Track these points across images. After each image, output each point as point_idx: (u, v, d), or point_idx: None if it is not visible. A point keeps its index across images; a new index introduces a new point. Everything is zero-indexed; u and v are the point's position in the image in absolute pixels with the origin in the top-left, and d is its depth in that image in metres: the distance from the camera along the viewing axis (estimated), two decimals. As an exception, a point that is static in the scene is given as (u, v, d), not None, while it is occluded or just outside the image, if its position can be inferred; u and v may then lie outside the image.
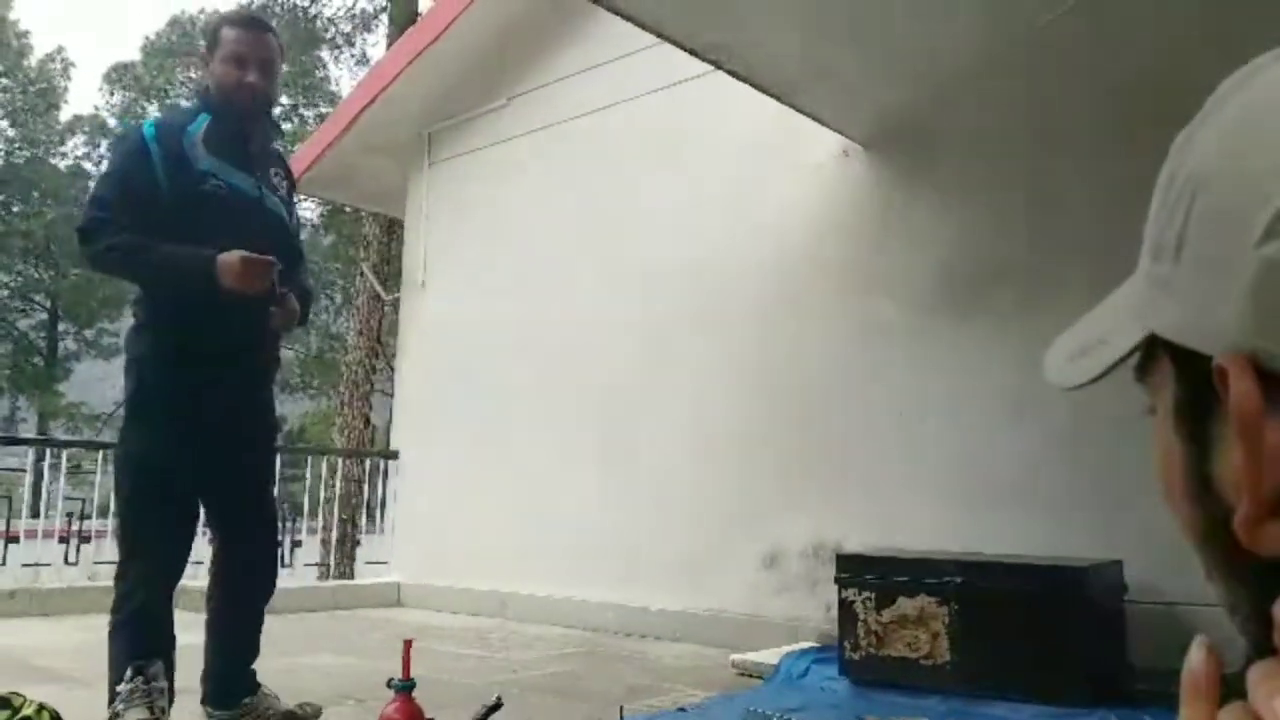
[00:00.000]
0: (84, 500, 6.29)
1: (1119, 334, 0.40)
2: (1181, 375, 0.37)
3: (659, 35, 3.50)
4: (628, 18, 3.34)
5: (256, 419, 2.64)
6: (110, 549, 6.26)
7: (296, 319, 2.55)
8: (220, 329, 2.42)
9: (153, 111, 25.44)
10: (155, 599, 2.44)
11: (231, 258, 2.31)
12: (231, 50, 2.45)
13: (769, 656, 3.71)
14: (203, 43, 2.55)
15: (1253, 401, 0.33)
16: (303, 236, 2.72)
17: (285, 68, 2.67)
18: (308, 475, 6.91)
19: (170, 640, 2.50)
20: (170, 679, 2.44)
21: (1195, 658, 0.34)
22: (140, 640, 2.40)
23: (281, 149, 2.68)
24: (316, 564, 7.26)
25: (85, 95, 45.14)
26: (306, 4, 20.49)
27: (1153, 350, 0.39)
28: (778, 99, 3.98)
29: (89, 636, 4.42)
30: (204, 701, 2.64)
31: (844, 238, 4.46)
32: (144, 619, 2.42)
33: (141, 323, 2.51)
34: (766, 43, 3.58)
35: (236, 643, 2.67)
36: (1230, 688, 0.33)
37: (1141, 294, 0.40)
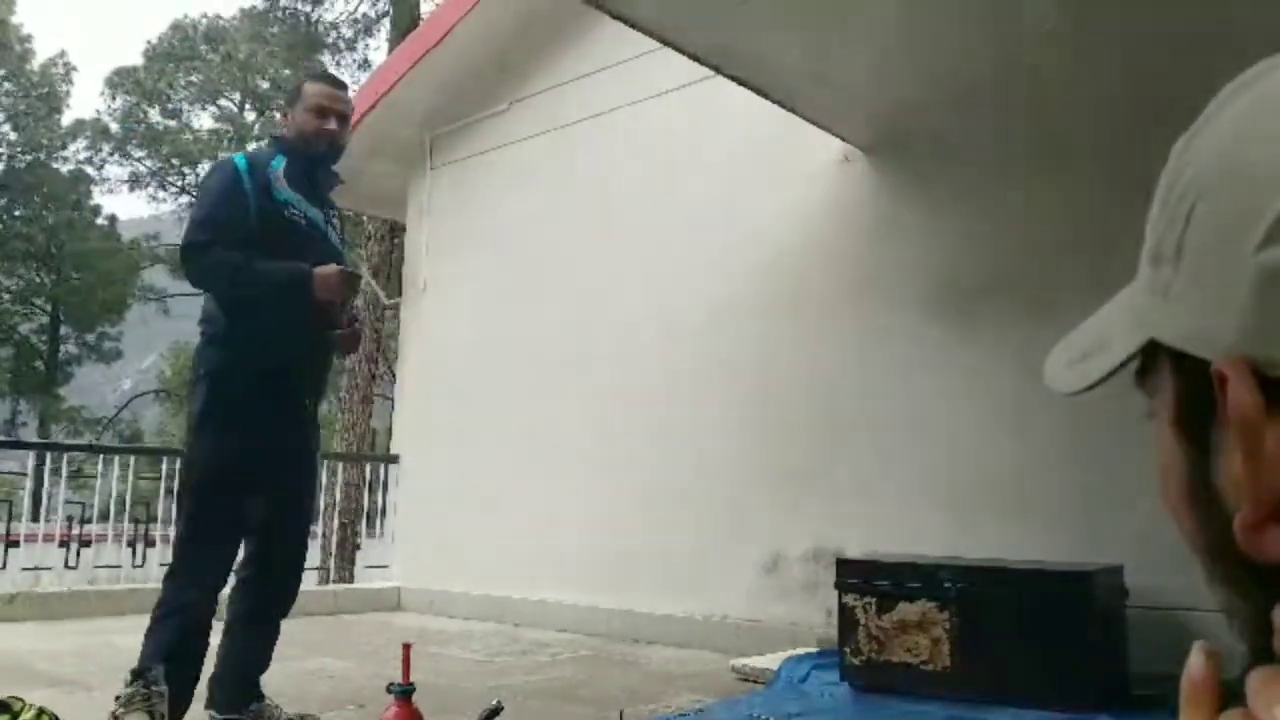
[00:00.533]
0: (84, 504, 6.31)
1: (1119, 339, 0.40)
2: (1181, 380, 0.37)
3: (661, 40, 3.51)
4: (630, 23, 3.35)
5: (307, 437, 2.78)
6: (110, 553, 6.28)
7: (357, 344, 2.78)
8: (286, 349, 2.61)
9: (154, 114, 25.51)
10: (203, 600, 2.55)
11: (328, 270, 2.59)
12: (315, 102, 2.74)
13: (769, 661, 3.71)
14: (286, 102, 2.88)
15: (1252, 407, 0.33)
16: None
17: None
18: (308, 479, 6.90)
19: (205, 642, 2.58)
20: (196, 679, 2.52)
21: (1195, 663, 0.34)
22: (180, 636, 2.51)
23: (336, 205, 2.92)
24: (317, 568, 7.25)
25: (87, 99, 45.19)
26: (308, 8, 20.53)
27: (1153, 356, 0.39)
28: (779, 104, 3.98)
29: (89, 640, 4.42)
30: (208, 706, 2.67)
31: (844, 243, 4.46)
32: (189, 617, 2.53)
33: (211, 338, 2.68)
34: (768, 48, 3.58)
35: (250, 652, 2.73)
36: (1230, 693, 0.33)
37: (1141, 299, 0.40)
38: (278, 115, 2.91)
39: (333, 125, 2.74)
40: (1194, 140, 0.38)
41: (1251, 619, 0.35)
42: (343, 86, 2.88)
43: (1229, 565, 0.36)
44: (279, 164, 2.69)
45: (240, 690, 2.69)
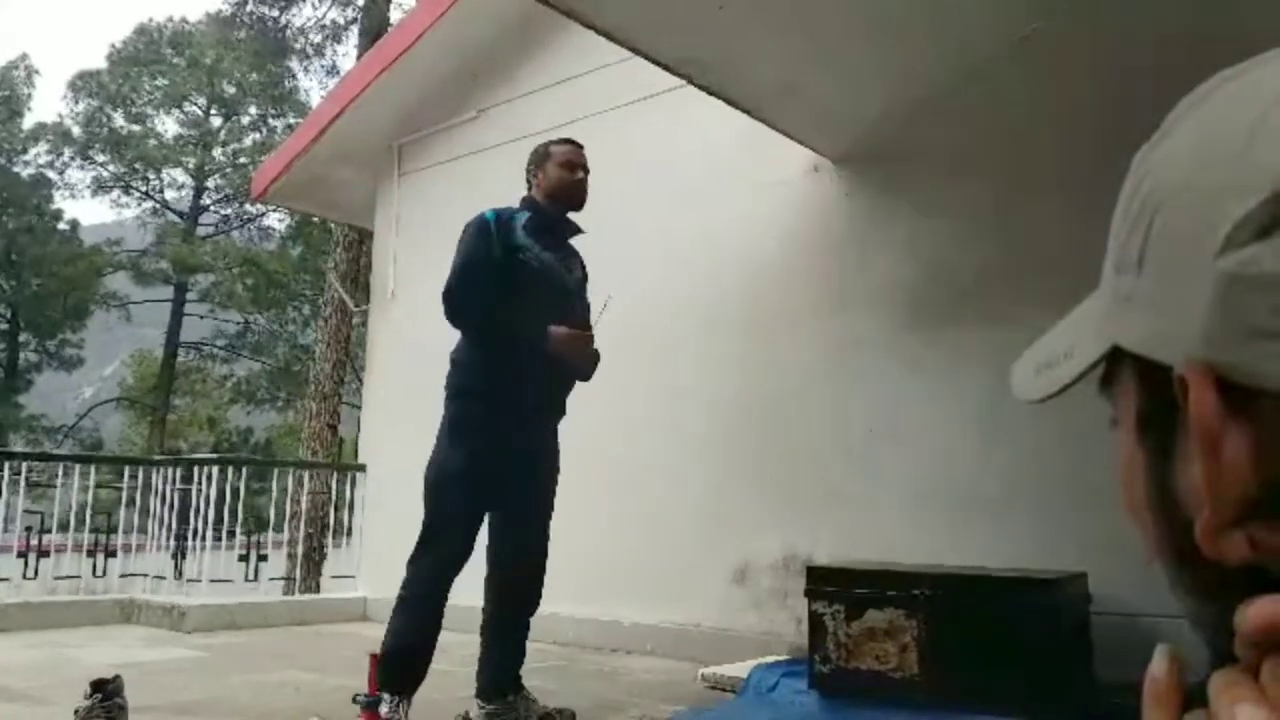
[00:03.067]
0: (43, 514, 6.18)
1: (1084, 347, 0.41)
2: (1144, 387, 0.38)
3: (632, 50, 3.52)
4: (601, 32, 3.35)
5: (548, 460, 3.17)
6: (69, 563, 6.16)
7: (593, 367, 3.12)
8: (533, 385, 3.00)
9: (118, 118, 25.17)
10: (437, 589, 2.89)
11: (561, 330, 2.96)
12: (565, 159, 3.18)
13: (739, 670, 3.71)
14: (532, 165, 3.25)
15: (1213, 412, 0.33)
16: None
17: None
18: (274, 488, 6.83)
19: (437, 624, 2.90)
20: (429, 657, 2.88)
21: (1158, 666, 0.34)
22: (420, 616, 2.88)
23: (576, 250, 3.31)
24: (282, 578, 7.18)
25: (49, 103, 44.57)
26: (276, 14, 20.37)
27: (1117, 363, 0.40)
28: (749, 114, 4.01)
29: (48, 653, 4.34)
30: (476, 695, 3.04)
31: (814, 253, 4.49)
32: (425, 602, 2.89)
33: (462, 358, 3.07)
34: (739, 58, 3.61)
35: (505, 647, 3.07)
36: (1194, 697, 0.33)
37: (1105, 307, 0.40)
38: (528, 177, 3.27)
39: (582, 176, 3.17)
40: (1154, 151, 0.39)
41: (1214, 622, 0.35)
42: (582, 146, 3.28)
43: (1191, 570, 0.37)
44: (523, 217, 3.10)
45: (497, 682, 3.02)
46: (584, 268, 3.31)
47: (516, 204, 3.20)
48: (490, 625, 3.08)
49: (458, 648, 3.27)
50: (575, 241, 3.29)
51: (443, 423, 3.06)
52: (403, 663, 2.84)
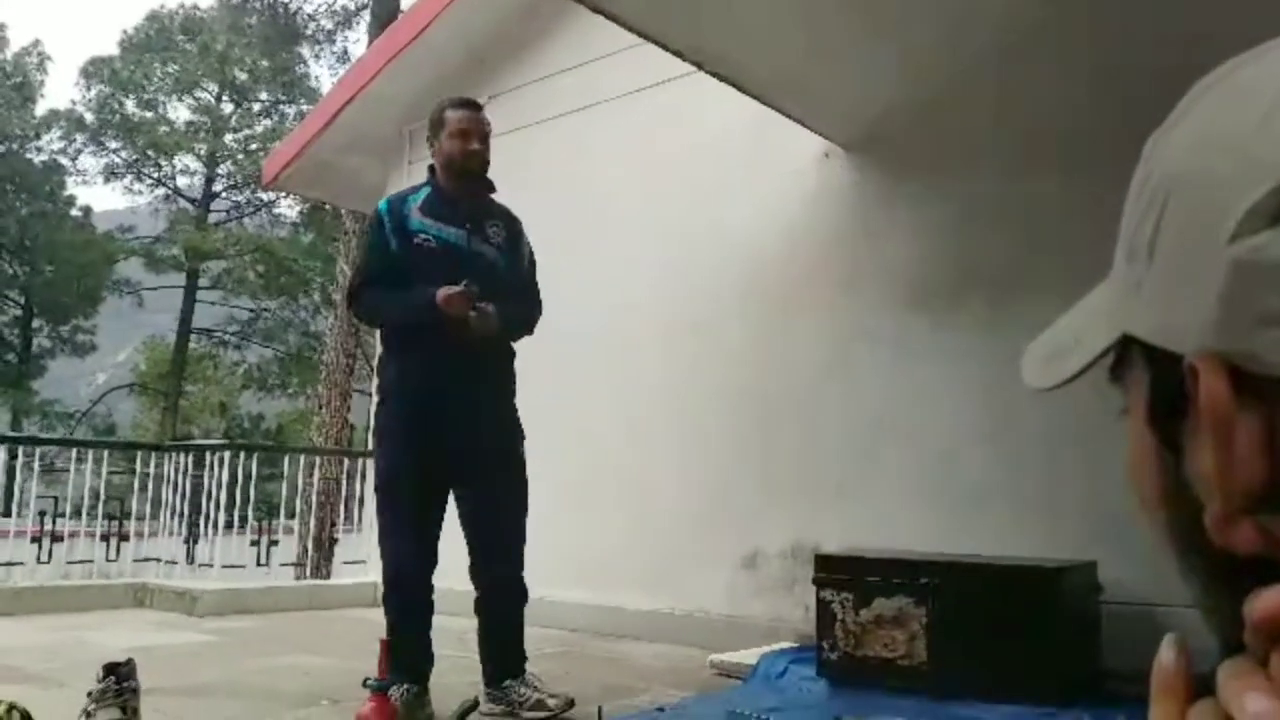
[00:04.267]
0: (57, 498, 6.23)
1: (1093, 335, 0.41)
2: (1154, 376, 0.38)
3: (643, 36, 3.50)
4: (611, 18, 3.34)
5: (486, 436, 3.05)
6: (83, 548, 6.21)
7: (492, 322, 2.94)
8: (441, 361, 2.94)
9: (130, 105, 25.23)
10: (407, 583, 2.97)
11: (441, 291, 2.85)
12: (457, 127, 3.05)
13: (747, 657, 3.72)
14: (429, 133, 3.14)
15: (1223, 400, 0.33)
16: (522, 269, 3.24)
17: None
18: (285, 474, 6.86)
19: (417, 615, 2.98)
20: (418, 646, 2.96)
21: (1165, 655, 0.34)
22: (396, 609, 2.99)
23: (503, 206, 3.23)
24: (294, 563, 7.22)
25: (62, 90, 44.69)
26: (287, 0, 20.36)
27: (1127, 351, 0.39)
28: (759, 101, 3.99)
29: (62, 636, 4.38)
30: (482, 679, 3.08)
31: (824, 240, 4.48)
32: (397, 595, 2.99)
33: (384, 357, 3.14)
34: (749, 45, 3.59)
35: (490, 632, 3.09)
36: (1202, 687, 0.33)
37: (1115, 296, 0.40)
38: (428, 146, 3.18)
39: (476, 146, 3.05)
40: (1165, 137, 0.39)
41: (1224, 612, 0.35)
42: (479, 107, 3.15)
43: (1201, 559, 0.36)
44: (419, 197, 3.05)
45: (494, 667, 3.06)
46: (512, 225, 3.21)
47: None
48: (476, 609, 3.10)
49: (463, 633, 3.28)
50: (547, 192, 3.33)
51: (374, 430, 3.14)
52: (396, 652, 2.90)
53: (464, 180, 3.07)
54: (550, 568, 5.07)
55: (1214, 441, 0.34)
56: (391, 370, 3.07)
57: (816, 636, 3.43)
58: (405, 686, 2.87)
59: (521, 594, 3.14)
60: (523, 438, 3.20)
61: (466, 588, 3.10)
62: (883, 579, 3.32)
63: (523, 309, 3.17)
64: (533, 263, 3.27)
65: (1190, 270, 0.35)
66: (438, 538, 3.04)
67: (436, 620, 3.10)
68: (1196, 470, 0.36)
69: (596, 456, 5.11)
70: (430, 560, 3.02)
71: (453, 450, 2.99)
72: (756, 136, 4.58)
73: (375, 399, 3.16)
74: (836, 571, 3.43)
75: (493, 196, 3.20)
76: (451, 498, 3.09)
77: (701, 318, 4.80)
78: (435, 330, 2.89)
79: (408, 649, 2.93)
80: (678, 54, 3.61)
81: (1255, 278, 0.33)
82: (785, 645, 3.85)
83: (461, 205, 3.06)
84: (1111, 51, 3.62)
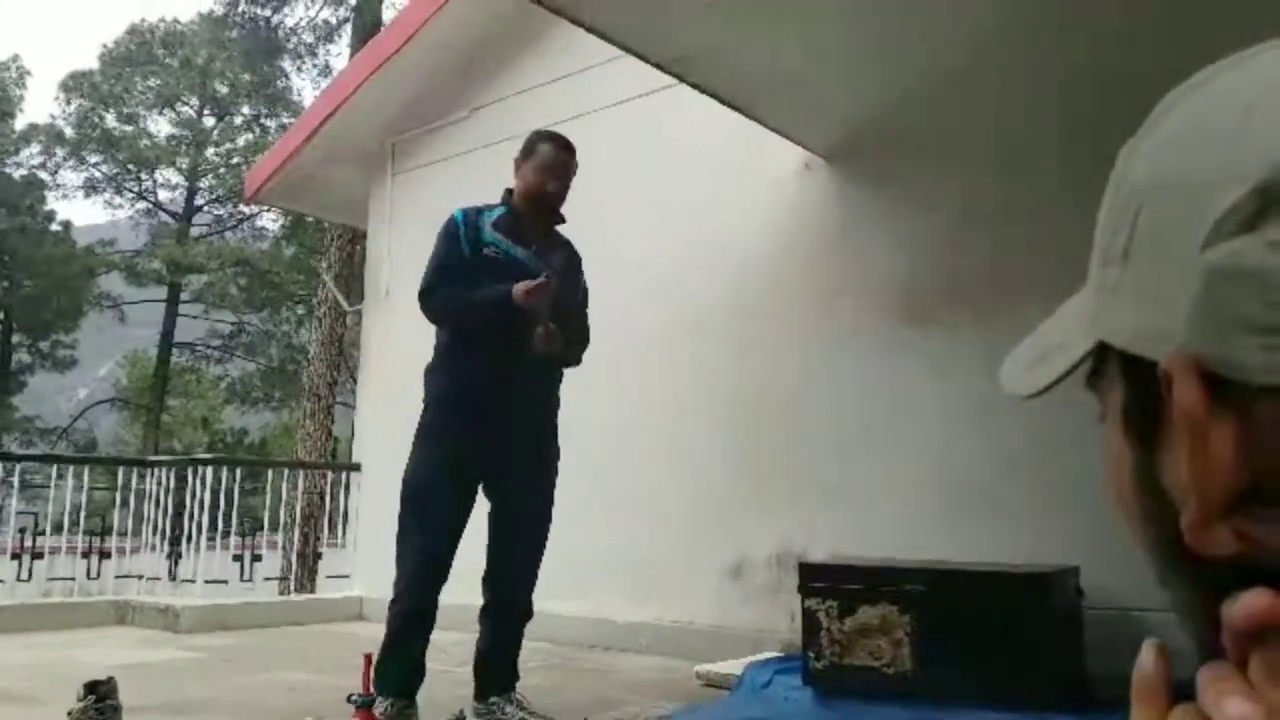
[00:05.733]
0: (37, 515, 6.16)
1: (1071, 342, 0.41)
2: (1130, 381, 0.38)
3: (622, 47, 3.51)
4: (590, 29, 3.35)
5: (530, 447, 3.12)
6: (64, 565, 6.15)
7: (557, 341, 2.98)
8: (501, 371, 2.98)
9: (110, 119, 25.08)
10: (417, 593, 2.96)
11: (519, 284, 2.92)
12: (545, 164, 3.16)
13: (733, 667, 3.71)
14: (520, 155, 3.23)
15: (1198, 405, 0.33)
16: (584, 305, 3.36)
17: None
18: (268, 488, 6.82)
19: (420, 628, 2.96)
20: (414, 661, 2.94)
21: (1145, 659, 0.34)
22: (399, 620, 2.97)
23: (567, 239, 3.33)
24: (278, 578, 7.17)
25: (41, 104, 44.40)
26: (268, 13, 20.33)
27: (1104, 358, 0.40)
28: (740, 111, 4.01)
29: (42, 655, 4.33)
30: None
31: (807, 249, 4.50)
32: (406, 605, 2.97)
33: (436, 364, 3.17)
34: (730, 56, 3.60)
35: (490, 646, 3.08)
36: (1182, 692, 0.33)
37: (1092, 302, 0.40)
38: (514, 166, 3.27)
39: (554, 188, 3.16)
40: (1140, 143, 0.39)
41: (1202, 616, 0.35)
42: (573, 150, 3.25)
43: (1178, 564, 0.37)
44: (494, 214, 3.15)
45: (484, 682, 3.05)
46: (571, 258, 3.30)
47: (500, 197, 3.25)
48: (480, 617, 3.11)
49: (456, 647, 3.27)
50: (583, 222, 3.37)
51: (416, 432, 3.15)
52: (387, 665, 2.90)
53: (538, 210, 3.18)
54: (537, 579, 5.06)
55: (1189, 447, 0.34)
56: (444, 376, 3.11)
57: (802, 645, 3.43)
58: (391, 701, 2.85)
59: (527, 613, 3.15)
60: (558, 457, 3.27)
61: (455, 601, 3.08)
62: (867, 587, 3.32)
63: (581, 335, 3.26)
64: (586, 296, 3.35)
65: (1165, 276, 0.35)
66: (454, 550, 3.02)
67: None
68: (1172, 475, 0.36)
69: (582, 467, 5.09)
70: (443, 571, 3.01)
71: (491, 458, 3.03)
72: (738, 147, 4.60)
73: (425, 404, 3.18)
74: (822, 580, 3.43)
75: (559, 229, 3.31)
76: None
77: (685, 327, 4.81)
78: (499, 339, 2.96)
79: (401, 661, 2.92)
80: (658, 65, 3.63)
81: (1230, 283, 0.33)
82: (771, 655, 3.85)
83: (532, 230, 3.17)
84: (1090, 60, 3.66)
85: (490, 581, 3.10)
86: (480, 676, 3.07)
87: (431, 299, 3.14)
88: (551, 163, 3.17)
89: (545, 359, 3.01)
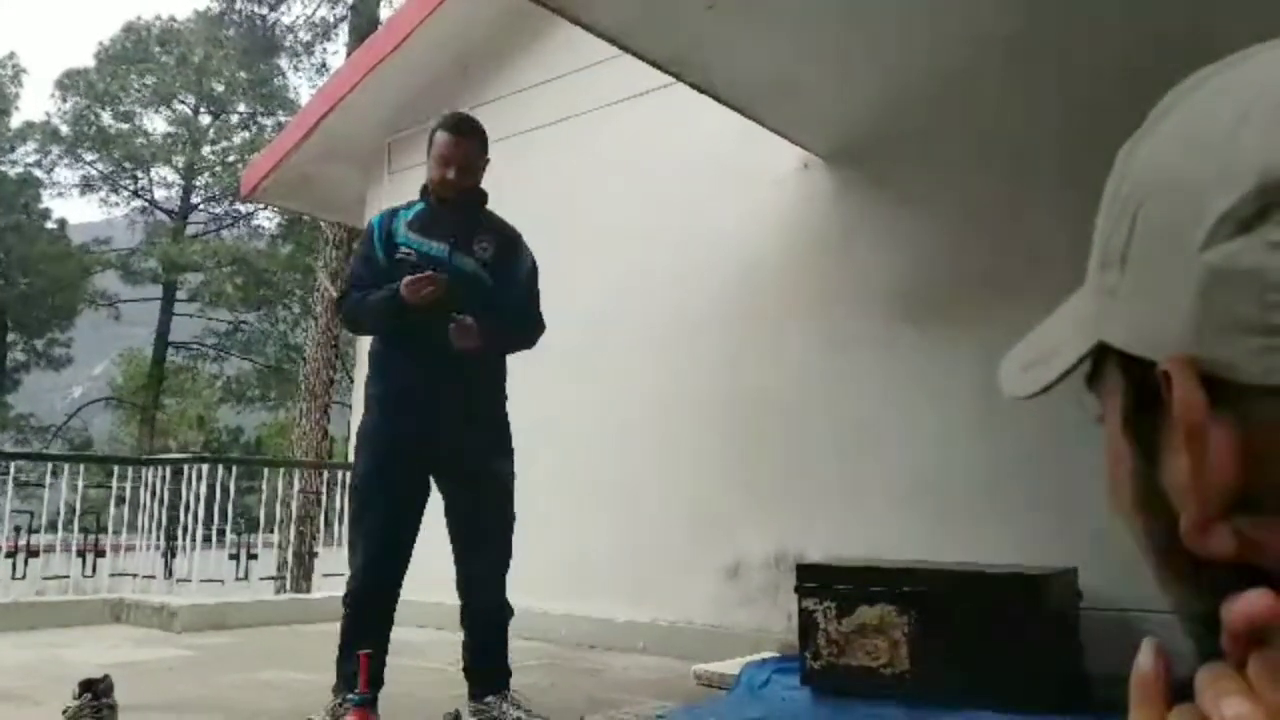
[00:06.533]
0: (32, 514, 6.15)
1: (1069, 343, 0.41)
2: (1129, 383, 0.38)
3: (620, 47, 3.51)
4: (588, 29, 3.35)
5: (475, 447, 3.05)
6: (58, 564, 6.14)
7: (472, 335, 2.90)
8: (422, 371, 2.95)
9: (106, 117, 25.02)
10: (366, 588, 2.96)
11: (406, 279, 2.88)
12: (437, 152, 3.05)
13: (731, 667, 3.71)
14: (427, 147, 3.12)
15: (1197, 406, 0.33)
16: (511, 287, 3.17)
17: (486, 159, 3.18)
18: (264, 487, 6.81)
19: (372, 625, 2.93)
20: (381, 662, 2.87)
21: (1144, 660, 0.34)
22: (350, 616, 2.98)
23: (500, 220, 3.22)
24: (273, 577, 7.15)
25: (37, 102, 44.32)
26: (265, 11, 20.30)
27: (1102, 359, 0.40)
28: (739, 112, 4.00)
29: (37, 653, 4.32)
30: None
31: (805, 250, 4.49)
32: (356, 603, 2.97)
33: (369, 368, 3.14)
34: (728, 56, 3.60)
35: (474, 645, 3.08)
36: (1180, 692, 0.33)
37: (1090, 303, 0.40)
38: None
39: (452, 175, 3.02)
40: (1138, 145, 0.39)
41: (1201, 617, 0.35)
42: (465, 129, 3.09)
43: (1177, 565, 0.37)
44: (410, 212, 3.11)
45: (476, 681, 3.04)
46: (505, 243, 3.17)
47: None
48: (460, 622, 3.10)
49: (449, 647, 3.27)
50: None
51: (356, 437, 3.18)
52: (344, 666, 2.92)
53: (450, 200, 3.09)
54: (534, 579, 5.05)
55: (1188, 448, 0.34)
56: (375, 379, 3.10)
57: (799, 646, 3.43)
58: (340, 700, 2.83)
59: (500, 611, 3.10)
60: (509, 450, 3.19)
61: (431, 599, 3.10)
62: (865, 587, 3.32)
63: (514, 323, 3.14)
64: (533, 274, 3.24)
65: (1163, 277, 0.35)
66: (404, 562, 3.02)
67: (400, 633, 3.07)
68: (1171, 477, 0.36)
69: (580, 467, 5.10)
70: (388, 572, 3.00)
71: (425, 458, 3.01)
72: (736, 147, 4.60)
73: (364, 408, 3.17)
74: (819, 580, 3.44)
75: (491, 210, 3.21)
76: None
77: (684, 327, 4.81)
78: (419, 338, 2.91)
79: (353, 665, 2.85)
80: (655, 65, 3.63)
81: (1228, 284, 0.33)
82: (769, 655, 3.85)
83: (448, 221, 3.07)
84: (1090, 59, 3.66)
85: (458, 586, 3.09)
86: (470, 679, 3.06)
87: (341, 308, 3.17)
88: (445, 151, 3.04)
89: (470, 353, 2.93)
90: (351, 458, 3.15)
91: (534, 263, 3.24)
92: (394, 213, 3.13)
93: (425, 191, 3.14)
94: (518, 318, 3.16)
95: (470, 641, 3.08)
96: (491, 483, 3.09)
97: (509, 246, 3.18)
